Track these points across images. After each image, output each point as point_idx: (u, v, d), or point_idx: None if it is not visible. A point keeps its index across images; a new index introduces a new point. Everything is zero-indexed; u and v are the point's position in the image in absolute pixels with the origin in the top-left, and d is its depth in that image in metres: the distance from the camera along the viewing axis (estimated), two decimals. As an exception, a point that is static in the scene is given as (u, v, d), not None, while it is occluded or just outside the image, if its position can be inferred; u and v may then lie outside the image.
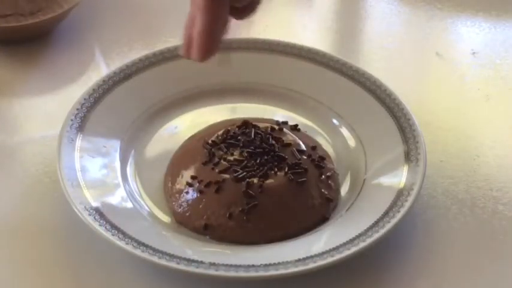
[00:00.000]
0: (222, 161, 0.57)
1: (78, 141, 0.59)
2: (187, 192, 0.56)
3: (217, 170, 0.56)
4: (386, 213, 0.54)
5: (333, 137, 0.63)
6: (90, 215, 0.53)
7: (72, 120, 0.60)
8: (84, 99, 0.62)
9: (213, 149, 0.58)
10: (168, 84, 0.66)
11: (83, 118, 0.60)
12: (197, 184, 0.56)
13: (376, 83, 0.64)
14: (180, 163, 0.59)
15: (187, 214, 0.56)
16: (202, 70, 0.66)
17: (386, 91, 0.63)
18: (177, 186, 0.57)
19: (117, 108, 0.63)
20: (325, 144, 0.62)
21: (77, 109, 0.61)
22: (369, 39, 0.80)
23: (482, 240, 0.57)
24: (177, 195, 0.57)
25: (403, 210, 0.54)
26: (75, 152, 0.58)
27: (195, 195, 0.56)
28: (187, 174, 0.57)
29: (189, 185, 0.56)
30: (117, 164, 0.60)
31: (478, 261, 0.56)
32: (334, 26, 0.81)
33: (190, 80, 0.66)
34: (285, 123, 0.62)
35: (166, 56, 0.66)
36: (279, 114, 0.65)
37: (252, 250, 0.54)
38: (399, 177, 0.57)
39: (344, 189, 0.59)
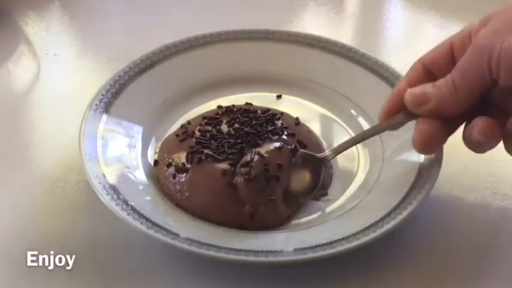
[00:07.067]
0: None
1: (102, 125, 0.60)
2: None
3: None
4: (416, 181, 0.55)
5: (350, 126, 0.65)
6: (113, 200, 0.53)
7: (96, 105, 0.60)
8: (110, 85, 0.62)
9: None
10: (190, 74, 0.67)
11: (108, 103, 0.61)
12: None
13: (388, 70, 0.65)
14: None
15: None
16: (227, 59, 0.68)
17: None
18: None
19: (141, 95, 0.64)
20: (344, 132, 0.64)
21: (102, 94, 0.61)
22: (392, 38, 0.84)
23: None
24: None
25: (430, 182, 0.55)
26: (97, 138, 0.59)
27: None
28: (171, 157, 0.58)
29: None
30: (139, 148, 0.61)
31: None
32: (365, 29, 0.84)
33: (213, 69, 0.68)
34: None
35: (186, 47, 0.68)
36: (304, 104, 0.67)
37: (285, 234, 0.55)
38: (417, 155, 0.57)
39: (364, 171, 0.60)
